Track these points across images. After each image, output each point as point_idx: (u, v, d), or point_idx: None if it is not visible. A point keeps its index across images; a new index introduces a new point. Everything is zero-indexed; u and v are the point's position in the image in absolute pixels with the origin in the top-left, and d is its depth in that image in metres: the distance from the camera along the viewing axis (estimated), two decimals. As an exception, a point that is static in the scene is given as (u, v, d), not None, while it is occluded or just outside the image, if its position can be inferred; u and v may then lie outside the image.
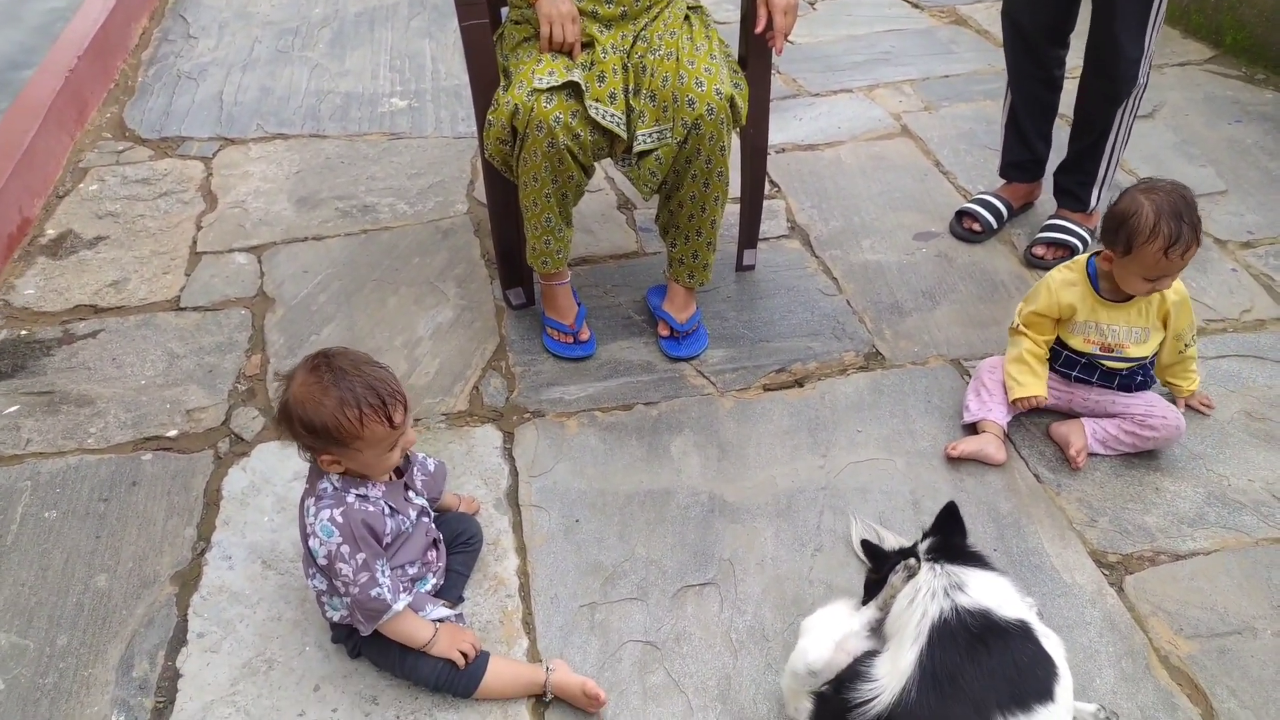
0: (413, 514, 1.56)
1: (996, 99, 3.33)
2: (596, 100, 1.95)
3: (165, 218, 2.68)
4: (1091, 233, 2.49)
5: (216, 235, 2.62)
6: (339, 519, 1.43)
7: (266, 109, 3.20)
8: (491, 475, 1.95)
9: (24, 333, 2.28)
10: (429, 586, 1.62)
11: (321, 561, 1.46)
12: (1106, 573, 1.76)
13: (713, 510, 1.88)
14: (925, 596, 1.33)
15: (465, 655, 1.53)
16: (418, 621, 1.52)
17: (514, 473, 1.95)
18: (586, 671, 1.58)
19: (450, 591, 1.68)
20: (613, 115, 1.96)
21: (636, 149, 1.99)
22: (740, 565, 1.77)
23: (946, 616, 1.30)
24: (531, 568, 1.77)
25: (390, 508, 1.50)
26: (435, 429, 2.04)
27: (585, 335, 2.25)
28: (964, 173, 2.88)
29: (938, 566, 1.37)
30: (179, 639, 1.64)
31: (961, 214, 2.62)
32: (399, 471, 1.55)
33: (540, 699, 1.56)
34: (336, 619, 1.55)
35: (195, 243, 2.59)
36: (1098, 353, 1.93)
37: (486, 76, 2.05)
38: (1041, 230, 2.55)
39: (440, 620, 1.56)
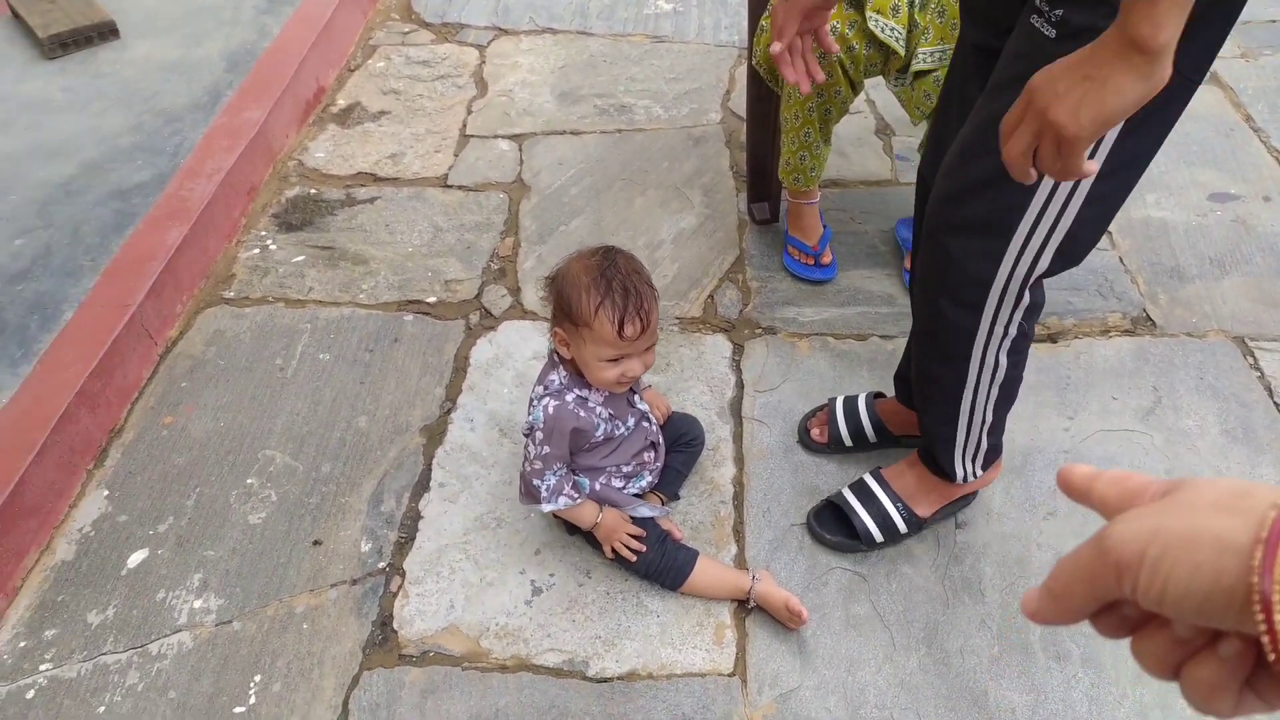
0: (632, 421, 1.60)
1: (1336, 50, 2.90)
2: (877, 11, 1.85)
3: (440, 99, 2.84)
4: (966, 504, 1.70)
5: (484, 121, 2.75)
6: (550, 411, 1.49)
7: (539, 3, 3.29)
8: (718, 384, 1.97)
9: (313, 191, 2.50)
10: (644, 484, 1.67)
11: (524, 430, 1.55)
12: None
13: (940, 454, 1.81)
14: None
15: (622, 549, 1.57)
16: (585, 508, 1.58)
17: (740, 385, 1.96)
18: (792, 588, 1.60)
19: (668, 488, 1.73)
20: (893, 29, 1.86)
21: (914, 68, 1.89)
22: (964, 515, 1.71)
23: None
24: (747, 479, 1.79)
25: (610, 413, 1.55)
26: (668, 331, 2.08)
27: (827, 259, 2.20)
28: (1279, 132, 2.55)
29: None
30: (423, 485, 1.79)
31: (820, 408, 1.87)
32: None
33: (743, 604, 1.59)
34: None
35: (465, 125, 2.73)
36: None
37: (768, -20, 1.99)
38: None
39: (646, 518, 1.62)
